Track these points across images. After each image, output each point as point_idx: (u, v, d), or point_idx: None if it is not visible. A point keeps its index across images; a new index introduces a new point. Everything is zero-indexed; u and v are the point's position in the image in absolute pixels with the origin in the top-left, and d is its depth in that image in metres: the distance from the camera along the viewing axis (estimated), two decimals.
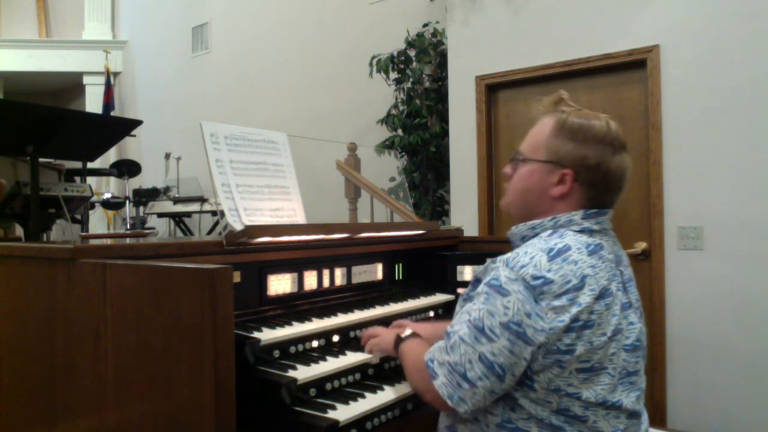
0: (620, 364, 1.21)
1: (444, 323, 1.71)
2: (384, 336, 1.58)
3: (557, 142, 1.30)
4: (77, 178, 5.50)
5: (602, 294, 1.18)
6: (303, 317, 1.66)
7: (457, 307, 1.33)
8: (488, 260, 1.29)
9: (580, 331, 1.15)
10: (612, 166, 1.28)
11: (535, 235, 1.30)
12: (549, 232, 1.28)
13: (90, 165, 5.58)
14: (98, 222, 7.47)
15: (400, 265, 2.22)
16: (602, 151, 1.27)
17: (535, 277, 1.16)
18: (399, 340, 1.49)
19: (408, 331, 1.53)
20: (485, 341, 1.16)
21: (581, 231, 1.26)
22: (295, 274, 1.78)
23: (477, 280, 1.29)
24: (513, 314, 1.14)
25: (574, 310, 1.14)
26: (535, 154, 1.33)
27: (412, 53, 4.45)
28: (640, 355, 1.27)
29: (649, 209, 3.17)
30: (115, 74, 7.99)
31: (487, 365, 1.16)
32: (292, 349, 1.53)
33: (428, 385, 1.24)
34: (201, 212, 5.67)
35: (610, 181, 1.29)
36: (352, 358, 1.56)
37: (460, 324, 1.23)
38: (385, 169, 4.36)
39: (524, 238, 1.33)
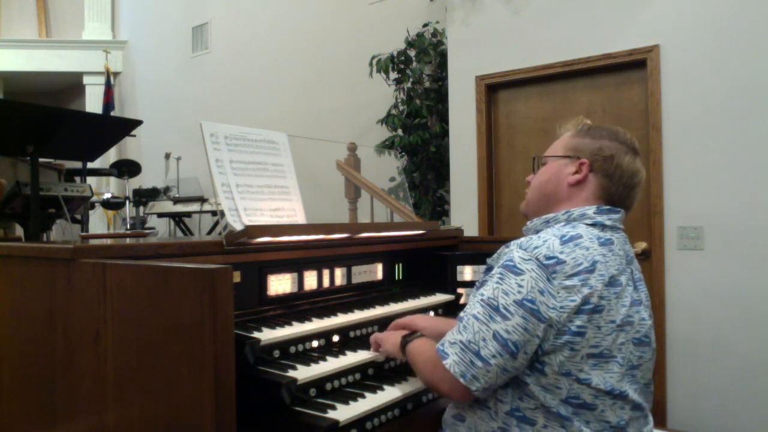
0: (628, 356, 1.24)
1: (447, 319, 1.72)
2: (390, 339, 1.57)
3: (575, 140, 1.41)
4: (77, 178, 5.50)
5: (611, 282, 1.22)
6: (303, 317, 1.66)
7: (471, 295, 1.34)
8: (501, 247, 1.33)
9: (591, 314, 1.18)
10: (625, 161, 1.36)
11: (549, 228, 1.35)
12: (562, 223, 1.33)
13: (90, 165, 5.58)
14: (98, 222, 7.47)
15: (400, 265, 2.22)
16: (617, 146, 1.37)
17: (548, 257, 1.20)
18: (405, 341, 1.50)
19: (412, 333, 1.54)
20: (500, 319, 1.19)
21: (593, 224, 1.31)
22: (295, 274, 1.78)
23: (490, 268, 1.32)
24: (527, 292, 1.18)
25: (586, 291, 1.18)
26: (554, 153, 1.44)
27: (412, 53, 4.45)
28: (646, 351, 1.29)
29: (649, 209, 3.17)
30: (115, 74, 7.99)
31: (501, 343, 1.18)
32: (292, 349, 1.53)
33: (442, 374, 1.23)
34: (201, 212, 5.67)
35: (623, 175, 1.35)
36: (352, 358, 1.56)
37: (472, 305, 1.26)
38: (385, 169, 4.36)
39: (538, 232, 1.35)
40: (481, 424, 1.28)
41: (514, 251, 1.25)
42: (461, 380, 1.20)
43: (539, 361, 1.20)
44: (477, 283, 1.35)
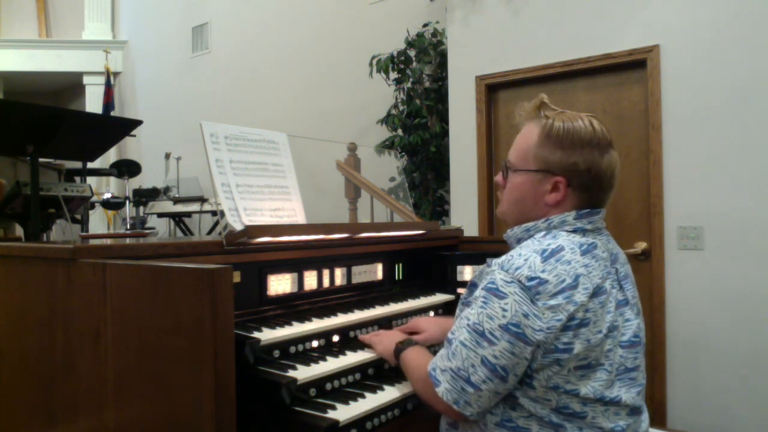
0: (617, 360, 1.22)
1: (450, 319, 1.71)
2: (384, 342, 1.59)
3: (545, 151, 1.31)
4: (77, 178, 5.50)
5: (596, 292, 1.20)
6: (303, 317, 1.66)
7: (457, 312, 1.34)
8: (486, 262, 1.31)
9: (577, 329, 1.17)
10: (602, 166, 1.29)
11: (530, 237, 1.32)
12: (543, 233, 1.30)
13: (90, 165, 5.59)
14: (98, 222, 7.47)
15: (400, 265, 2.22)
16: (590, 154, 1.28)
17: (530, 278, 1.17)
18: (398, 349, 1.50)
19: (406, 340, 1.54)
20: (486, 345, 1.18)
21: (574, 231, 1.28)
22: (295, 274, 1.78)
23: (473, 285, 1.31)
24: (511, 316, 1.16)
25: (571, 308, 1.16)
26: (526, 164, 1.34)
27: (412, 53, 4.45)
28: (639, 351, 1.28)
29: (649, 209, 3.17)
30: (115, 74, 7.99)
31: (490, 368, 1.17)
32: (292, 349, 1.53)
33: (435, 398, 1.25)
34: (201, 212, 5.67)
35: (602, 182, 1.30)
36: (352, 358, 1.56)
37: (459, 330, 1.24)
38: (385, 169, 4.36)
39: (519, 240, 1.35)
40: None
41: (496, 272, 1.22)
42: (455, 407, 1.21)
43: (528, 377, 1.20)
44: (462, 298, 1.34)
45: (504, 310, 1.17)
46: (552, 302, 1.16)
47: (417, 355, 1.45)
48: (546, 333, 1.15)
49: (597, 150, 1.28)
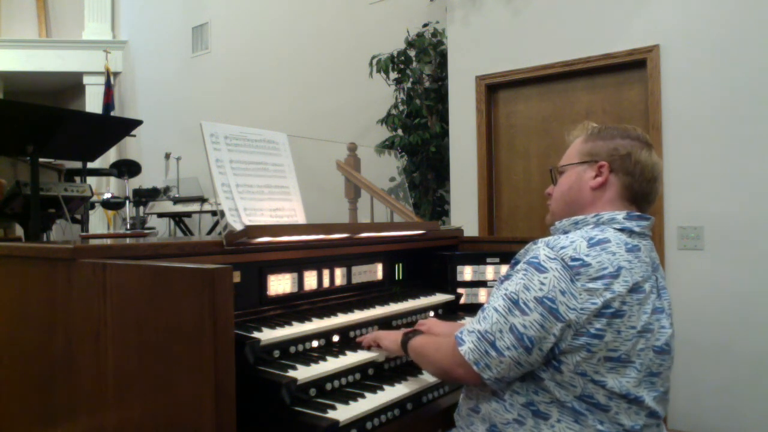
0: (647, 363, 1.25)
1: (460, 324, 1.72)
2: (391, 336, 1.60)
3: (588, 145, 1.42)
4: (77, 178, 5.50)
5: (635, 288, 1.22)
6: (303, 317, 1.66)
7: (495, 287, 1.35)
8: (530, 243, 1.35)
9: (611, 318, 1.19)
10: (642, 156, 1.36)
11: (577, 230, 1.35)
12: (591, 226, 1.34)
13: (90, 165, 5.58)
14: (98, 222, 7.47)
15: (400, 265, 2.22)
16: (630, 143, 1.37)
17: (574, 259, 1.21)
18: (406, 338, 1.51)
19: (414, 330, 1.56)
20: (518, 313, 1.21)
21: (622, 230, 1.31)
22: (295, 274, 1.78)
23: (516, 262, 1.33)
24: (548, 290, 1.19)
25: (608, 295, 1.19)
26: (571, 161, 1.44)
27: (412, 53, 4.45)
28: (666, 359, 1.31)
29: None
30: (115, 74, 7.99)
31: (517, 336, 1.20)
32: (292, 349, 1.53)
33: (456, 359, 1.26)
34: (201, 212, 5.67)
35: (643, 170, 1.36)
36: (352, 358, 1.56)
37: (495, 297, 1.28)
38: (385, 169, 4.36)
39: (566, 233, 1.36)
40: (495, 415, 1.29)
41: (540, 249, 1.26)
42: (474, 367, 1.23)
43: (556, 359, 1.21)
44: (501, 277, 1.36)
45: (542, 283, 1.20)
46: (590, 285, 1.19)
47: (428, 337, 1.49)
48: (579, 313, 1.17)
49: (637, 142, 1.37)
